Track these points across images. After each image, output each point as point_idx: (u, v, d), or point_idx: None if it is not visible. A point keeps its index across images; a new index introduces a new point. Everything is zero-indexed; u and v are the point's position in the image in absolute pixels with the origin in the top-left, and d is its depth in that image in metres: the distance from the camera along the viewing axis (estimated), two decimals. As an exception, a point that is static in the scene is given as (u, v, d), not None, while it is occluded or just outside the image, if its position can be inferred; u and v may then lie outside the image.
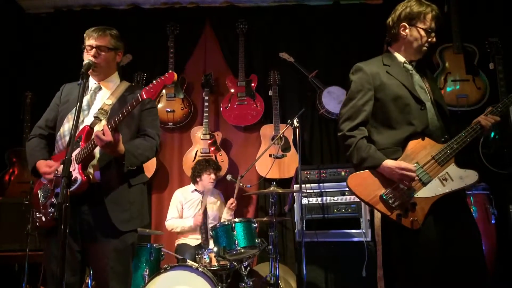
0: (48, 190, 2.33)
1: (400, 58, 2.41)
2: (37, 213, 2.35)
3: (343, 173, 4.14)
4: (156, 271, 3.39)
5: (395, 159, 2.21)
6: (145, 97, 2.20)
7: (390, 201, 2.17)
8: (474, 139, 2.24)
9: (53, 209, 2.24)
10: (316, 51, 5.26)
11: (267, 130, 4.94)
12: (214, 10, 5.43)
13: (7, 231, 4.05)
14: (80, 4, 5.43)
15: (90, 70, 2.35)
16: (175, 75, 2.24)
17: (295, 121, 4.05)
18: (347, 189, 3.99)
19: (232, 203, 4.43)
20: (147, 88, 2.22)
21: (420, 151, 2.23)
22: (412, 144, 2.24)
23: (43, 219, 2.31)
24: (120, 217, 2.28)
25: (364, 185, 2.22)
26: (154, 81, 2.22)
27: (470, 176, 2.21)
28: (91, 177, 2.27)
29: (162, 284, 3.26)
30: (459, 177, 2.20)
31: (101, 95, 2.46)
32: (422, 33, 2.32)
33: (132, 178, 2.39)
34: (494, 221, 3.84)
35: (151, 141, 2.45)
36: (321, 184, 4.10)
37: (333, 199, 4.03)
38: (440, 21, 2.37)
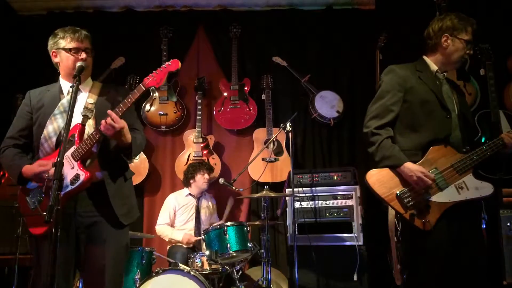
0: (41, 193, 2.29)
1: (433, 66, 2.49)
2: (30, 219, 2.31)
3: (335, 177, 4.16)
4: (147, 274, 3.37)
5: (414, 162, 2.27)
6: (149, 85, 2.25)
7: (405, 200, 2.24)
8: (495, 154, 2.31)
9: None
10: (309, 55, 5.28)
11: (260, 134, 4.95)
12: (208, 14, 5.44)
13: (-2, 234, 4.01)
14: (73, 7, 5.41)
15: (81, 73, 2.32)
16: (179, 62, 2.27)
17: (288, 125, 4.06)
18: (339, 193, 4.03)
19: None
20: (149, 77, 2.26)
21: (440, 158, 2.30)
22: (434, 150, 2.31)
23: (38, 223, 2.25)
24: (121, 211, 2.32)
25: (382, 181, 2.30)
26: (157, 70, 2.26)
27: (486, 188, 2.28)
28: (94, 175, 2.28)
29: (154, 288, 3.25)
30: (475, 187, 2.27)
31: (80, 96, 2.44)
32: (464, 44, 2.41)
33: (126, 172, 2.46)
34: (484, 226, 3.86)
35: (142, 134, 2.52)
36: (313, 188, 4.11)
37: (325, 203, 4.04)
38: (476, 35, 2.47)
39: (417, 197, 2.24)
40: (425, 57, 2.54)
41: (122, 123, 2.20)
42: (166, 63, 2.29)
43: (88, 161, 2.31)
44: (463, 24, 2.41)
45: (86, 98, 2.43)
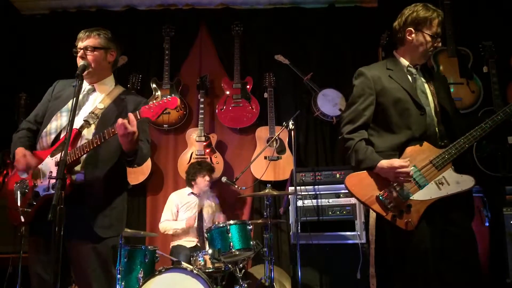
0: (26, 186, 2.27)
1: (404, 62, 2.44)
2: (13, 211, 2.29)
3: (338, 175, 4.15)
4: (150, 273, 3.39)
5: None
6: (143, 115, 2.18)
7: (385, 202, 2.21)
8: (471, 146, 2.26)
9: (29, 209, 2.21)
10: (311, 53, 5.28)
11: (262, 132, 4.95)
12: (210, 12, 5.44)
13: (1, 233, 4.01)
14: (75, 6, 5.43)
15: (85, 72, 2.31)
16: (178, 100, 2.23)
17: (290, 123, 4.05)
18: (342, 191, 4.02)
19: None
20: (147, 107, 2.19)
21: (418, 155, 2.26)
22: (410, 149, 2.27)
23: (18, 217, 2.23)
24: (100, 223, 2.24)
25: (361, 185, 2.26)
26: (155, 102, 2.20)
27: (466, 181, 2.24)
28: (74, 179, 2.23)
29: (157, 286, 3.25)
30: (455, 181, 2.23)
31: (94, 97, 2.43)
32: (428, 38, 2.37)
33: (116, 183, 2.37)
34: (487, 224, 3.86)
35: (147, 145, 2.44)
36: (316, 186, 4.10)
37: (328, 201, 4.04)
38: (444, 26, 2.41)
39: (398, 197, 2.20)
40: (395, 53, 2.50)
41: (134, 128, 2.13)
42: (166, 98, 2.21)
43: (74, 168, 2.25)
44: (428, 17, 2.35)
45: (98, 102, 2.39)
